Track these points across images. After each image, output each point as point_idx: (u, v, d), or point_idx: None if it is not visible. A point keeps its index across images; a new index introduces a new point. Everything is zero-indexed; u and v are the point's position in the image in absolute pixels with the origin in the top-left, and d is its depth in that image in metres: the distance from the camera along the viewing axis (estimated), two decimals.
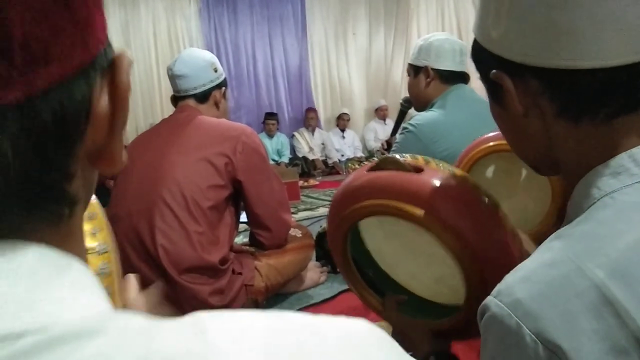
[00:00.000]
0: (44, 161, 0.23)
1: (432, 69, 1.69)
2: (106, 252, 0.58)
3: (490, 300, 0.45)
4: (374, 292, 0.93)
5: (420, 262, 0.90)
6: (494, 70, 0.54)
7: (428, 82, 1.70)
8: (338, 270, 0.97)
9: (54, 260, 0.24)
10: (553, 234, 0.47)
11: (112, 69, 0.27)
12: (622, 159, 0.48)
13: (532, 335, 0.41)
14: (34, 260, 0.23)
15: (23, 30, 0.21)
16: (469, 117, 1.58)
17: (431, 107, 1.70)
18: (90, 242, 0.57)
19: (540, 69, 0.50)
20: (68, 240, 0.26)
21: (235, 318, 0.24)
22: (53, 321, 0.21)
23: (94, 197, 0.62)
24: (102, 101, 0.26)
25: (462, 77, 1.72)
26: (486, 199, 0.73)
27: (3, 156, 0.22)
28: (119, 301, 0.57)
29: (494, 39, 0.53)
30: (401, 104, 2.03)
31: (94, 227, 0.58)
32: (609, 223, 0.44)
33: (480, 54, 0.57)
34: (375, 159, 0.83)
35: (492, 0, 0.53)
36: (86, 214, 0.59)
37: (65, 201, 0.25)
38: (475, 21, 0.59)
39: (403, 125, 1.71)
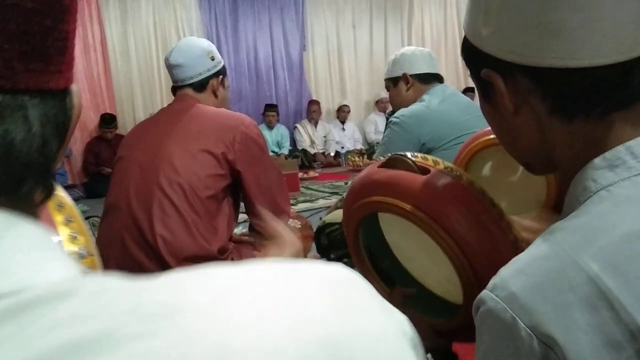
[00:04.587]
0: (53, 142, 0.29)
1: (410, 75, 1.88)
2: (90, 255, 0.55)
3: (485, 294, 0.44)
4: (383, 282, 0.94)
5: (433, 259, 0.90)
6: (484, 69, 0.53)
7: (408, 87, 1.90)
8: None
9: (20, 228, 0.25)
10: (549, 227, 0.47)
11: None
12: (619, 152, 0.47)
13: (527, 329, 0.40)
14: (1, 227, 0.24)
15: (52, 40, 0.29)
16: (446, 106, 1.79)
17: None
18: (71, 247, 0.54)
19: (532, 68, 0.49)
20: (35, 217, 0.29)
21: (214, 274, 0.24)
22: (25, 285, 0.22)
23: (68, 198, 0.60)
24: None
25: (437, 78, 1.90)
26: (492, 206, 0.71)
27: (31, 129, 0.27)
28: None
29: (485, 37, 0.53)
30: (386, 118, 2.20)
31: (73, 231, 0.55)
32: (604, 216, 0.44)
33: (471, 52, 0.56)
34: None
35: None
36: (63, 217, 0.57)
37: (51, 180, 0.30)
38: (465, 18, 0.58)
39: (390, 118, 1.89)
